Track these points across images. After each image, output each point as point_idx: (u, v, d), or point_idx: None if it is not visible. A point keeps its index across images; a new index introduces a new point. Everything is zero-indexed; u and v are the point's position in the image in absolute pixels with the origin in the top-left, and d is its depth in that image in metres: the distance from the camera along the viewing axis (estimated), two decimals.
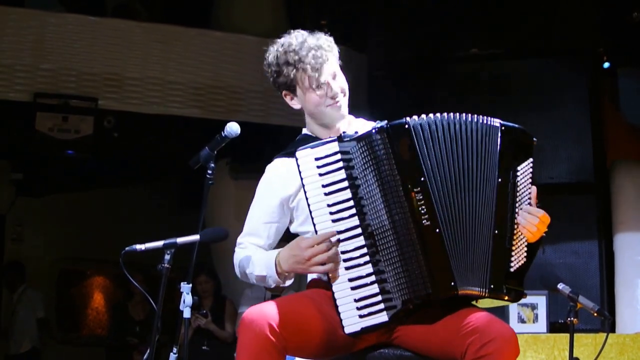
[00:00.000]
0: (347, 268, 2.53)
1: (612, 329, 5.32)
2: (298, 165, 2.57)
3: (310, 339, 2.50)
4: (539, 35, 6.21)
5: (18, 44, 6.54)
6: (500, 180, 2.53)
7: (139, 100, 6.75)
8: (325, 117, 2.74)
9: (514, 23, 6.24)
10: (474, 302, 2.60)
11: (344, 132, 2.63)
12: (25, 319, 8.13)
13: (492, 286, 2.50)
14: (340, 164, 2.55)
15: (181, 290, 2.83)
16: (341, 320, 2.51)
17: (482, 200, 2.53)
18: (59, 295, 9.68)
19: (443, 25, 6.34)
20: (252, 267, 2.69)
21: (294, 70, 2.71)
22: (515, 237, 2.53)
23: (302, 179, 2.57)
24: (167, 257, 2.81)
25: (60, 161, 7.96)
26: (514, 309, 5.15)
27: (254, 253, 2.72)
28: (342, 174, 2.54)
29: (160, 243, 2.83)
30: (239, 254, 2.78)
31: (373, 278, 2.51)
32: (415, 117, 2.56)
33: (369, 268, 2.52)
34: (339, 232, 2.53)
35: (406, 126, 2.55)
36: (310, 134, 2.80)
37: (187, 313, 2.84)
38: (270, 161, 2.83)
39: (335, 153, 2.56)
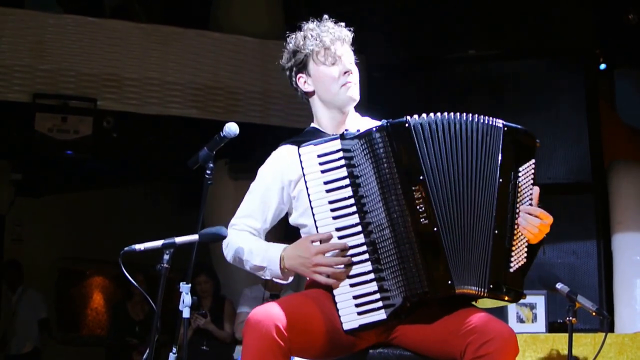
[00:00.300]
0: (349, 264, 2.54)
1: (610, 328, 5.33)
2: (301, 162, 2.59)
3: (314, 340, 2.51)
4: (536, 37, 6.22)
5: (17, 45, 6.54)
6: (501, 180, 2.54)
7: (138, 101, 6.75)
8: (338, 97, 2.75)
9: (512, 24, 6.25)
10: (473, 302, 2.60)
11: (346, 130, 2.65)
12: (27, 320, 8.14)
13: (491, 286, 2.51)
14: (342, 161, 2.57)
15: (180, 290, 2.84)
16: (340, 317, 2.53)
17: (483, 200, 2.54)
18: (59, 295, 9.68)
19: (441, 26, 6.35)
20: (249, 255, 2.69)
21: (311, 44, 2.74)
22: (515, 238, 2.54)
23: (304, 175, 2.58)
24: (166, 257, 2.81)
25: (59, 161, 7.96)
26: (512, 308, 5.16)
27: (253, 242, 2.71)
28: (343, 172, 2.56)
29: (159, 243, 2.84)
30: (232, 236, 2.76)
31: (372, 276, 2.53)
32: (415, 116, 2.57)
33: (367, 266, 2.53)
34: (339, 229, 2.55)
35: (406, 125, 2.56)
36: (318, 127, 2.81)
37: (186, 313, 2.85)
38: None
39: (338, 151, 2.57)
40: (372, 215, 2.54)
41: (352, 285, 2.53)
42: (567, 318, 3.41)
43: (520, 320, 5.15)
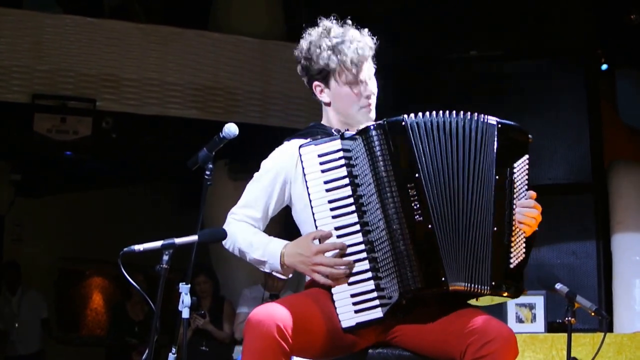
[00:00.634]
0: (349, 264, 2.56)
1: (609, 328, 5.33)
2: (301, 161, 2.60)
3: (314, 339, 2.52)
4: (537, 37, 6.22)
5: (16, 46, 6.55)
6: (497, 177, 2.55)
7: (137, 101, 6.75)
8: (354, 118, 2.74)
9: (513, 24, 6.24)
10: (474, 300, 2.61)
11: (346, 130, 2.65)
12: (30, 320, 8.17)
13: (493, 283, 2.52)
14: (342, 161, 2.58)
15: (180, 290, 2.84)
16: (337, 315, 2.54)
17: (480, 198, 2.55)
18: (58, 295, 9.69)
19: (442, 27, 6.35)
20: (249, 248, 2.69)
21: (334, 58, 2.69)
22: (514, 234, 2.55)
23: (304, 174, 2.60)
24: (165, 257, 2.81)
25: (58, 162, 7.97)
26: (512, 308, 5.16)
27: (253, 234, 2.71)
28: (343, 171, 2.58)
29: (158, 244, 2.84)
30: (233, 226, 2.76)
31: (369, 274, 2.54)
32: (412, 114, 2.58)
33: (365, 265, 2.55)
34: (338, 228, 2.56)
35: (403, 123, 2.57)
36: (325, 124, 2.81)
37: (185, 313, 2.85)
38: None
39: (338, 150, 2.59)
40: (370, 214, 2.55)
41: (349, 284, 2.55)
42: (566, 318, 3.41)
43: (520, 320, 5.15)
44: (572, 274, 5.67)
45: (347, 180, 2.57)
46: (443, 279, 2.51)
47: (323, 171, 2.58)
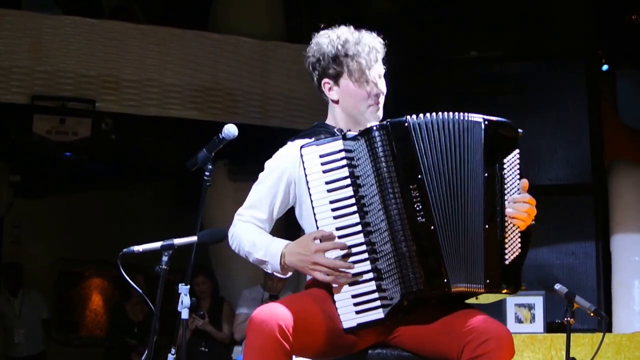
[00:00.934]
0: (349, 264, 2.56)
1: (608, 328, 5.33)
2: (303, 162, 2.61)
3: (315, 339, 2.52)
4: (538, 38, 6.22)
5: (15, 46, 6.54)
6: (486, 175, 2.55)
7: (137, 102, 6.75)
8: (362, 116, 2.75)
9: (513, 25, 6.24)
10: (475, 299, 2.61)
11: (348, 130, 2.66)
12: (32, 322, 8.19)
13: (487, 281, 2.52)
14: (344, 161, 2.59)
15: (179, 291, 2.84)
16: (338, 315, 2.54)
17: (471, 197, 2.55)
18: (58, 296, 9.68)
19: (443, 28, 6.35)
20: (253, 248, 2.69)
21: (346, 57, 2.72)
22: (507, 230, 2.55)
23: (306, 175, 2.60)
24: (164, 258, 2.82)
25: (58, 163, 7.96)
26: (511, 309, 5.17)
27: (257, 235, 2.72)
28: (344, 172, 2.58)
29: (157, 245, 2.85)
30: (238, 227, 2.76)
31: (370, 275, 2.55)
32: (414, 115, 2.59)
33: (366, 265, 2.55)
34: (339, 229, 2.56)
35: (406, 124, 2.58)
36: (331, 123, 2.82)
37: (185, 314, 2.85)
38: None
39: (340, 151, 2.59)
40: (372, 214, 2.56)
41: (350, 285, 2.55)
42: (565, 318, 3.42)
43: (519, 320, 5.15)
44: (572, 274, 5.67)
45: (348, 181, 2.57)
46: (445, 280, 2.52)
47: (325, 171, 2.58)
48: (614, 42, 6.57)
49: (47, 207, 9.38)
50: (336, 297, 2.56)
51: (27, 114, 6.48)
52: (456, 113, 2.60)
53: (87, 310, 9.98)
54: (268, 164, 2.81)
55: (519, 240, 2.56)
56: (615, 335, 5.05)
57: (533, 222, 2.58)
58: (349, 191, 2.57)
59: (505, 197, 2.56)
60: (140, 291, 3.10)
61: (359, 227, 2.56)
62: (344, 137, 2.61)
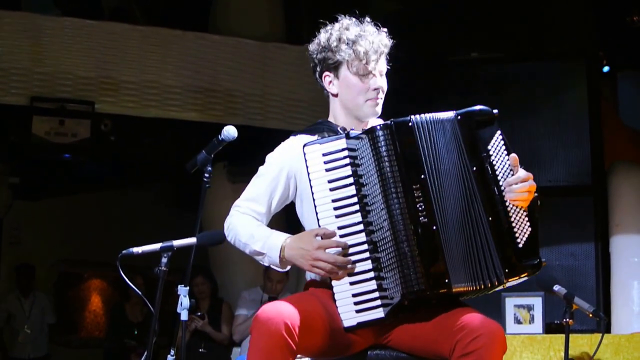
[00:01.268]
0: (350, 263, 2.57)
1: (607, 329, 5.33)
2: (305, 160, 2.61)
3: (316, 338, 2.53)
4: (538, 39, 6.22)
5: (14, 48, 6.54)
6: (474, 168, 2.56)
7: (136, 104, 6.75)
8: (361, 110, 2.75)
9: (513, 26, 6.24)
10: (501, 287, 2.59)
11: (352, 129, 2.66)
12: (39, 324, 8.21)
13: (506, 271, 2.52)
14: (347, 160, 2.59)
15: (178, 293, 2.84)
16: (339, 314, 2.55)
17: (464, 193, 2.56)
18: (57, 298, 9.68)
19: (443, 29, 6.35)
20: (250, 240, 2.68)
21: (347, 49, 2.71)
22: (511, 214, 2.54)
23: (308, 173, 2.61)
24: (164, 260, 2.82)
25: (57, 165, 7.96)
26: (510, 309, 5.17)
27: (255, 226, 2.71)
28: (347, 171, 2.59)
29: (157, 246, 2.85)
30: (236, 218, 2.76)
31: (372, 274, 2.56)
32: (418, 115, 2.60)
33: (367, 264, 2.56)
34: (341, 227, 2.57)
35: (410, 124, 2.58)
36: (332, 120, 2.82)
37: (184, 316, 2.85)
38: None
39: (343, 149, 2.60)
40: (374, 214, 2.57)
41: (351, 284, 2.56)
42: (564, 319, 3.42)
43: (518, 321, 5.16)
44: (571, 275, 5.67)
45: (351, 180, 2.58)
46: (446, 280, 2.52)
47: (327, 170, 2.60)
48: (614, 43, 6.57)
49: (47, 208, 9.38)
50: (337, 296, 2.57)
51: (27, 116, 6.48)
52: (447, 112, 2.61)
53: (86, 311, 9.98)
54: (269, 157, 2.81)
55: (527, 219, 2.55)
56: (614, 336, 5.05)
57: (535, 194, 2.58)
58: (352, 190, 2.58)
59: (500, 182, 2.55)
60: (140, 292, 3.11)
61: (361, 226, 2.57)
62: (347, 136, 2.62)
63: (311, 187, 2.60)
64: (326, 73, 2.78)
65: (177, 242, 2.85)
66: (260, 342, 2.42)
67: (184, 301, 2.83)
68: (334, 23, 2.81)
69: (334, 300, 2.57)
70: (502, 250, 2.52)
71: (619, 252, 5.69)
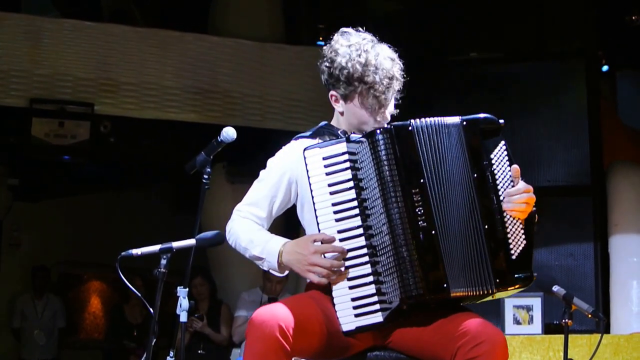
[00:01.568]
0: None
1: (606, 329, 5.33)
2: (306, 164, 2.61)
3: (313, 340, 2.53)
4: (538, 39, 6.22)
5: (14, 50, 6.55)
6: (475, 175, 2.55)
7: (136, 105, 6.75)
8: (364, 130, 2.72)
9: (513, 26, 6.25)
10: (490, 297, 2.59)
11: (352, 133, 2.66)
12: (50, 326, 8.24)
13: (497, 281, 2.52)
14: (347, 164, 2.59)
15: (178, 294, 2.84)
16: (338, 318, 2.55)
17: (465, 199, 2.55)
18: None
19: (443, 29, 6.35)
20: (250, 245, 2.69)
21: (364, 89, 2.65)
22: (507, 225, 2.54)
23: (309, 177, 2.61)
24: (163, 261, 2.82)
25: (56, 166, 7.96)
26: (509, 310, 5.17)
27: (255, 231, 2.72)
28: (347, 175, 2.59)
29: (156, 248, 2.84)
30: (237, 222, 2.76)
31: (371, 278, 2.55)
32: (418, 119, 2.59)
33: (367, 269, 2.56)
34: (341, 231, 2.57)
35: (410, 128, 2.58)
36: (335, 124, 2.81)
37: (183, 317, 2.85)
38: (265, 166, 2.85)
39: (343, 153, 2.60)
40: (373, 218, 2.56)
41: (350, 288, 2.56)
42: (563, 320, 3.42)
43: (517, 322, 5.16)
44: (570, 275, 5.68)
45: (351, 184, 2.58)
46: (445, 285, 2.52)
47: (327, 174, 2.59)
48: (614, 42, 6.58)
49: (46, 210, 9.38)
50: (336, 300, 2.56)
51: (26, 117, 6.49)
52: (452, 117, 2.60)
53: (86, 312, 9.98)
54: (270, 162, 2.81)
55: (523, 231, 2.55)
56: (613, 336, 5.05)
57: (534, 208, 2.58)
58: (352, 194, 2.57)
59: (500, 192, 2.55)
60: (139, 294, 3.11)
61: (361, 230, 2.56)
62: (348, 140, 2.61)
63: (311, 191, 2.60)
64: (333, 93, 2.73)
65: (176, 244, 2.85)
66: (255, 345, 2.42)
67: (183, 302, 2.83)
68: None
69: (333, 305, 2.57)
70: (495, 259, 2.52)
71: (618, 252, 5.69)
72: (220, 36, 7.14)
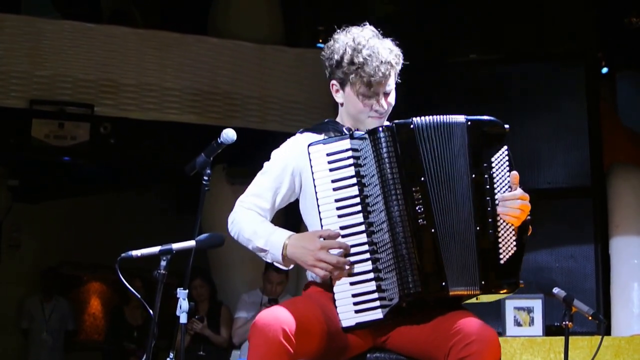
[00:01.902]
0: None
1: (607, 331, 5.33)
2: (310, 160, 2.62)
3: (313, 341, 2.53)
4: (537, 40, 6.23)
5: (14, 51, 6.55)
6: (473, 176, 2.56)
7: (135, 107, 6.75)
8: (363, 123, 2.75)
9: (512, 27, 6.25)
10: (474, 300, 2.61)
11: (356, 130, 2.66)
12: (58, 329, 8.25)
13: (482, 283, 2.53)
14: (351, 160, 2.60)
15: (177, 296, 2.84)
16: (338, 314, 2.56)
17: (461, 199, 2.56)
18: None
19: (442, 30, 6.35)
20: (253, 236, 2.68)
21: (354, 71, 2.68)
22: (500, 229, 2.55)
23: (312, 173, 2.62)
24: (163, 263, 2.82)
25: (56, 167, 7.97)
26: (510, 312, 5.16)
27: (258, 222, 2.71)
28: (351, 171, 2.60)
29: (156, 249, 2.84)
30: (240, 213, 2.75)
31: (371, 275, 2.56)
32: (420, 117, 2.60)
33: (368, 265, 2.57)
34: (343, 227, 2.58)
35: (411, 126, 2.59)
36: (339, 121, 2.82)
37: (183, 319, 2.85)
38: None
39: (347, 150, 2.61)
40: (375, 215, 2.57)
41: (351, 284, 2.57)
42: (564, 322, 3.42)
43: (518, 323, 5.15)
44: (571, 277, 5.67)
45: (354, 180, 2.59)
46: (443, 283, 2.53)
47: (331, 170, 2.61)
48: (613, 44, 6.58)
49: (46, 211, 9.38)
50: (336, 296, 2.57)
51: (26, 119, 6.49)
52: (457, 115, 2.61)
53: (85, 314, 9.97)
54: (274, 154, 2.81)
55: (514, 238, 2.55)
56: (614, 338, 5.05)
57: (528, 216, 2.58)
58: (354, 190, 2.59)
59: (496, 196, 2.55)
60: (139, 296, 3.10)
61: (362, 227, 2.58)
62: (352, 137, 2.63)
63: (315, 186, 2.61)
64: (333, 82, 2.77)
65: (176, 245, 2.85)
66: (259, 349, 2.42)
67: (183, 304, 2.83)
68: (349, 27, 2.77)
69: (334, 300, 2.58)
70: (482, 261, 2.52)
71: (619, 254, 5.68)
72: (220, 38, 7.14)
